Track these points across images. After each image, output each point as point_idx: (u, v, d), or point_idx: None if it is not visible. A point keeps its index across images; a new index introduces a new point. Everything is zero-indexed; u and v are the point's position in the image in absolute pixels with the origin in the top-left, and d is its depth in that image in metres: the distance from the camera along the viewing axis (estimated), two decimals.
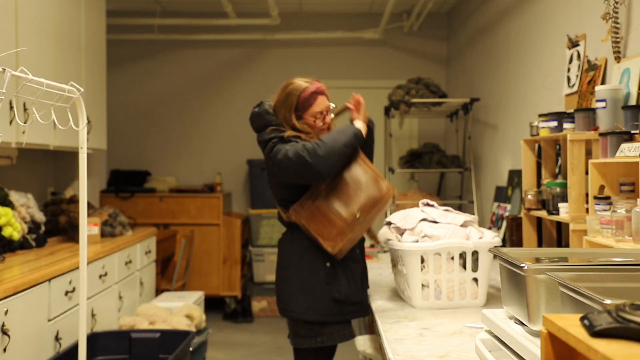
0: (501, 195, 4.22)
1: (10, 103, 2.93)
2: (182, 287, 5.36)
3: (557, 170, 3.05)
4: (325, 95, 2.42)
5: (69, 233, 3.75)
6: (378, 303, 2.46)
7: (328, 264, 2.39)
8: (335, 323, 2.42)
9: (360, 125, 2.40)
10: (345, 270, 2.42)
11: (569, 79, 3.14)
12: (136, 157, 6.20)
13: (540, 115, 2.89)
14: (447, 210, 2.51)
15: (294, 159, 2.26)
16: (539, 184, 3.09)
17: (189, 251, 5.52)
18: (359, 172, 2.35)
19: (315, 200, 2.35)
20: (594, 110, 2.50)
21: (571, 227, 2.48)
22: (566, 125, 2.68)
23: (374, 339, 3.01)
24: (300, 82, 2.39)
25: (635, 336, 0.86)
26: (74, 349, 2.68)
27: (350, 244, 2.37)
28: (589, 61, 2.93)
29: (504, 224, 3.81)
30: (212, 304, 5.64)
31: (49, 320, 2.74)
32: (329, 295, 2.38)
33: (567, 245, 2.75)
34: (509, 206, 3.93)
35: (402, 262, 2.38)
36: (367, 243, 4.16)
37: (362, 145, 2.42)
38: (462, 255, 2.38)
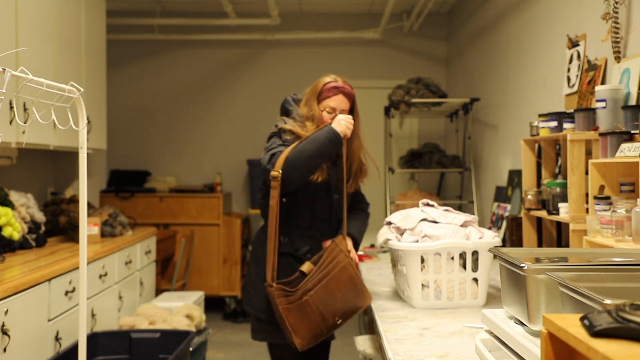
0: (501, 195, 4.22)
1: (10, 103, 2.93)
2: (182, 287, 5.36)
3: (557, 170, 3.05)
4: (347, 97, 2.49)
5: (69, 233, 3.75)
6: (378, 303, 2.45)
7: None
8: (269, 323, 2.42)
9: (339, 126, 2.39)
10: (287, 270, 2.41)
11: (569, 79, 3.14)
12: (136, 157, 6.20)
13: (540, 115, 2.89)
14: (447, 210, 2.51)
15: (262, 163, 2.37)
16: (539, 184, 3.09)
17: (189, 251, 5.52)
18: (347, 277, 2.36)
19: (303, 296, 2.31)
20: (594, 110, 2.50)
21: (571, 227, 2.48)
22: (566, 125, 2.68)
23: (374, 339, 3.01)
24: (331, 77, 2.52)
25: (635, 336, 0.85)
26: (74, 349, 2.69)
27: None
28: (589, 61, 2.93)
29: (504, 224, 3.81)
30: (212, 304, 5.65)
31: (49, 320, 2.74)
32: (265, 293, 2.39)
33: (567, 245, 2.75)
34: (509, 206, 3.93)
35: (402, 262, 2.38)
36: (367, 242, 4.19)
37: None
38: (462, 255, 2.38)
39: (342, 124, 2.39)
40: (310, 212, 2.47)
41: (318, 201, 2.48)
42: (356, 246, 2.61)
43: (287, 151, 2.33)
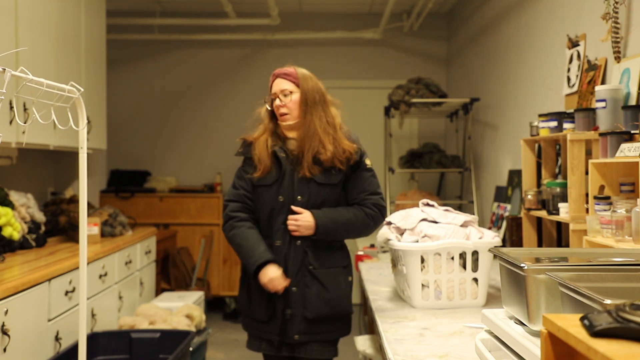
0: (501, 195, 4.22)
1: (10, 103, 2.93)
2: (202, 287, 5.37)
3: (557, 170, 3.05)
4: (284, 77, 2.34)
5: (69, 233, 3.75)
6: (378, 303, 2.45)
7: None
8: (249, 334, 2.47)
9: (263, 277, 2.30)
10: (248, 282, 2.44)
11: (569, 79, 3.14)
12: (136, 157, 6.20)
13: (540, 115, 2.89)
14: (447, 210, 2.51)
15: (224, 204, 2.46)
16: (539, 184, 3.09)
17: (208, 251, 5.54)
18: None
19: None
20: (594, 110, 2.50)
21: (571, 227, 2.48)
22: (566, 125, 2.68)
23: (374, 339, 3.01)
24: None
25: (635, 336, 0.85)
26: (74, 349, 2.69)
27: None
28: (589, 61, 2.93)
29: (504, 224, 3.81)
30: (212, 304, 5.64)
31: (49, 320, 2.74)
32: (253, 316, 2.44)
33: (567, 245, 2.75)
34: (509, 206, 3.93)
35: (402, 262, 2.38)
36: (367, 243, 4.18)
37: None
38: (462, 255, 2.38)
39: (269, 286, 2.30)
40: (269, 219, 2.35)
41: (273, 205, 2.33)
42: (318, 228, 2.28)
43: (234, 229, 2.38)
